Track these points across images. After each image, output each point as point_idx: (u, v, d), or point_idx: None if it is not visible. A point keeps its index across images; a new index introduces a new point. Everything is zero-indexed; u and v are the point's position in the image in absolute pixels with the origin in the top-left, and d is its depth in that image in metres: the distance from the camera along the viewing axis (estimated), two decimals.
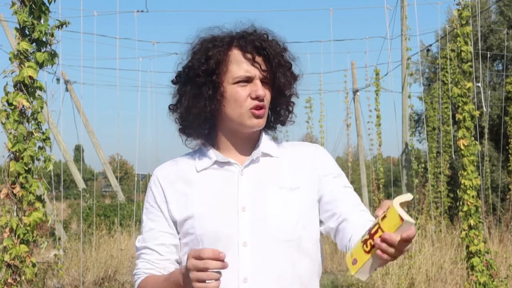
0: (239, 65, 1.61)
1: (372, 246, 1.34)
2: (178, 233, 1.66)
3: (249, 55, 1.61)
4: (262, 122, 1.63)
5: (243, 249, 1.56)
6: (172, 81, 1.70)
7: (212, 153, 1.66)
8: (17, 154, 3.60)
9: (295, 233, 1.60)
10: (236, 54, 1.62)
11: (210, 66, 1.60)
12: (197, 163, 1.67)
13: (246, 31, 1.65)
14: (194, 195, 1.63)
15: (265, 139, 1.70)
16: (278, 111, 1.70)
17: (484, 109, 9.37)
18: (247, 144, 1.68)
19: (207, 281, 1.38)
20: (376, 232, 1.35)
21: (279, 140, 1.76)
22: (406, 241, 1.29)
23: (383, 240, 1.30)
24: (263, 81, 1.63)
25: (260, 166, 1.65)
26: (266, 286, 1.55)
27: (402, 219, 1.29)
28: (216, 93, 1.61)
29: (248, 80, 1.61)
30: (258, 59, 1.62)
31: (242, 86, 1.61)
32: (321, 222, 1.67)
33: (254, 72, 1.61)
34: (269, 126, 1.74)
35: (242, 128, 1.64)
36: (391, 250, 1.30)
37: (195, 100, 1.62)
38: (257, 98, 1.60)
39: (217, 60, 1.61)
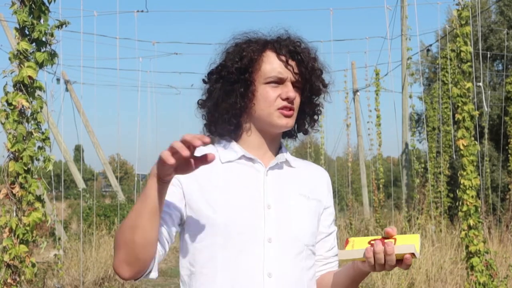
0: (272, 65, 1.65)
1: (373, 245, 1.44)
2: (184, 221, 1.62)
3: (283, 57, 1.65)
4: (291, 122, 1.65)
5: (268, 245, 1.58)
6: (203, 80, 1.72)
7: (238, 147, 1.68)
8: (17, 154, 3.60)
9: (311, 239, 1.67)
10: (270, 55, 1.66)
11: (243, 64, 1.64)
12: (221, 154, 1.67)
13: (280, 37, 1.69)
14: (218, 185, 1.62)
15: (284, 148, 1.75)
16: (303, 120, 1.74)
17: (485, 109, 9.35)
18: (270, 147, 1.71)
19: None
20: (387, 240, 1.46)
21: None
22: (401, 265, 1.45)
23: (385, 249, 1.43)
24: (295, 85, 1.66)
25: (282, 172, 1.70)
26: (290, 284, 1.58)
27: (415, 252, 1.41)
28: (247, 91, 1.64)
29: (280, 81, 1.64)
30: (292, 62, 1.65)
31: (273, 87, 1.64)
32: None
33: (287, 74, 1.64)
34: (291, 135, 1.77)
35: (270, 127, 1.66)
36: (381, 259, 1.44)
37: (226, 96, 1.65)
38: (287, 99, 1.63)
39: (251, 58, 1.64)
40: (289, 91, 1.63)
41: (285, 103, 1.63)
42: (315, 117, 1.76)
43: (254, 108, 1.65)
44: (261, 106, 1.64)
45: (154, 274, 1.54)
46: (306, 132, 1.77)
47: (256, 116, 1.66)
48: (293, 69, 1.64)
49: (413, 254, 1.41)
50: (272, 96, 1.63)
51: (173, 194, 1.59)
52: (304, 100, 1.70)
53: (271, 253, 1.57)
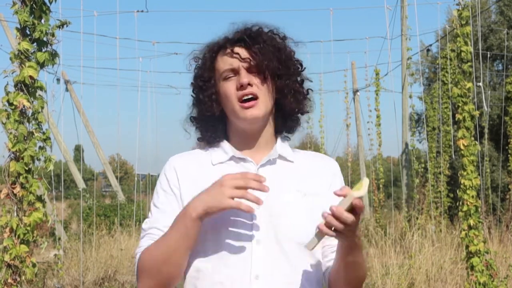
0: (223, 61, 1.66)
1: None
2: None
3: (228, 49, 1.66)
4: (255, 112, 1.63)
5: (256, 246, 1.56)
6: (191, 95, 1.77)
7: (229, 148, 1.69)
8: (18, 154, 3.61)
9: (308, 237, 1.59)
10: (221, 53, 1.68)
11: (200, 72, 1.69)
12: (213, 156, 1.69)
13: (237, 30, 1.69)
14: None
15: (280, 143, 1.72)
16: (285, 100, 1.68)
17: (485, 109, 9.36)
18: (259, 144, 1.70)
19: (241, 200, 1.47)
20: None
21: (292, 147, 1.77)
22: (355, 210, 1.43)
23: (332, 212, 1.43)
24: (251, 70, 1.64)
25: (276, 167, 1.67)
26: (278, 286, 1.56)
27: (358, 193, 1.42)
28: (205, 95, 1.67)
29: (234, 72, 1.64)
30: (239, 50, 1.65)
31: (230, 80, 1.65)
32: None
33: (236, 63, 1.64)
34: (293, 121, 1.73)
35: (240, 122, 1.66)
36: (336, 223, 1.43)
37: (201, 104, 1.69)
38: (241, 86, 1.62)
39: (206, 64, 1.68)
40: (242, 77, 1.62)
41: (242, 92, 1.62)
42: (298, 96, 1.69)
43: (225, 109, 1.67)
44: (226, 104, 1.65)
45: None
46: (301, 112, 1.72)
47: (228, 115, 1.68)
48: (240, 56, 1.63)
49: (361, 197, 1.43)
50: (230, 89, 1.63)
51: (172, 207, 1.64)
52: (277, 81, 1.65)
53: (259, 254, 1.56)
